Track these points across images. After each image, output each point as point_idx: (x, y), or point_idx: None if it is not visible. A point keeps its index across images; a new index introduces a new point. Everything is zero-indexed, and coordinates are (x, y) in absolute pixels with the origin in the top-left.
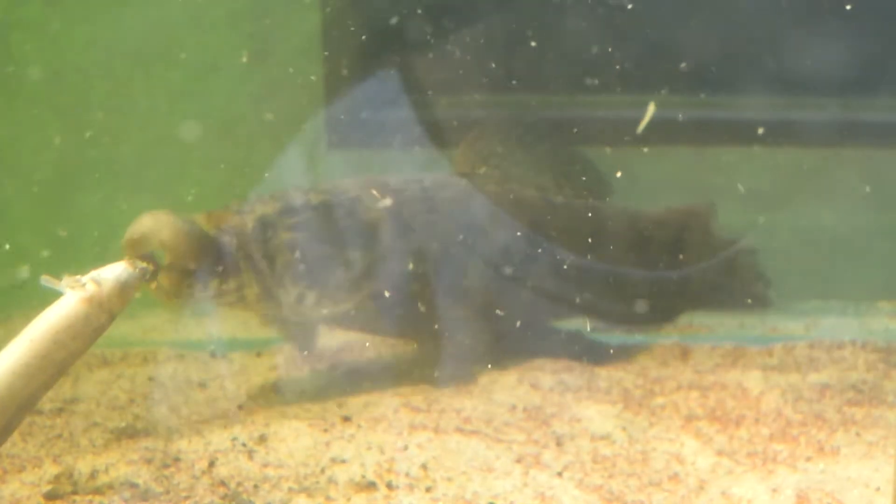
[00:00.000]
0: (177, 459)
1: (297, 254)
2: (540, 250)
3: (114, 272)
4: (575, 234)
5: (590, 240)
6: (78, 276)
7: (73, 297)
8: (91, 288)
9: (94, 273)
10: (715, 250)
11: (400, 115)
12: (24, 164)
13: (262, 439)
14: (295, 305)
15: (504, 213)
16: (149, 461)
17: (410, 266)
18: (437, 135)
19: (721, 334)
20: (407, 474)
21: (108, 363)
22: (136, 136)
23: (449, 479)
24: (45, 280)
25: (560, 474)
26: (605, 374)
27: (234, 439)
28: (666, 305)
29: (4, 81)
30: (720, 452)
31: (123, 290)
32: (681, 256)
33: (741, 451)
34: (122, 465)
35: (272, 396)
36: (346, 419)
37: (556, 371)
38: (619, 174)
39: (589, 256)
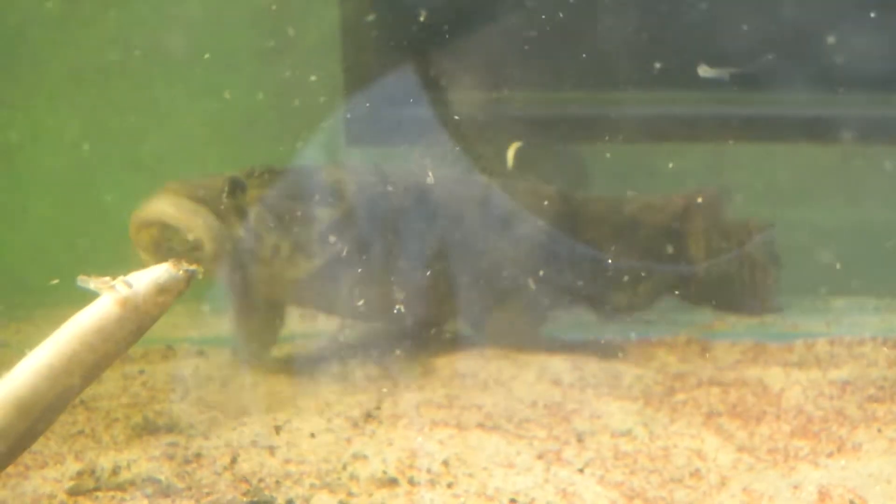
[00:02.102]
0: (198, 455)
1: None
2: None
3: (152, 274)
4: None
5: (581, 229)
6: (115, 278)
7: (106, 299)
8: (125, 290)
9: (132, 275)
10: (726, 237)
11: (416, 113)
12: (44, 162)
13: (284, 436)
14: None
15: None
16: (170, 457)
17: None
18: (454, 132)
19: (741, 331)
20: (428, 470)
21: (129, 359)
22: (155, 131)
23: (470, 476)
24: (81, 280)
25: (581, 471)
26: (626, 371)
27: (256, 435)
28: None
29: (25, 78)
30: (741, 449)
31: (161, 292)
32: (687, 244)
33: (762, 447)
34: (143, 461)
35: (292, 392)
36: (368, 416)
37: (576, 367)
38: (671, 165)
39: (580, 246)
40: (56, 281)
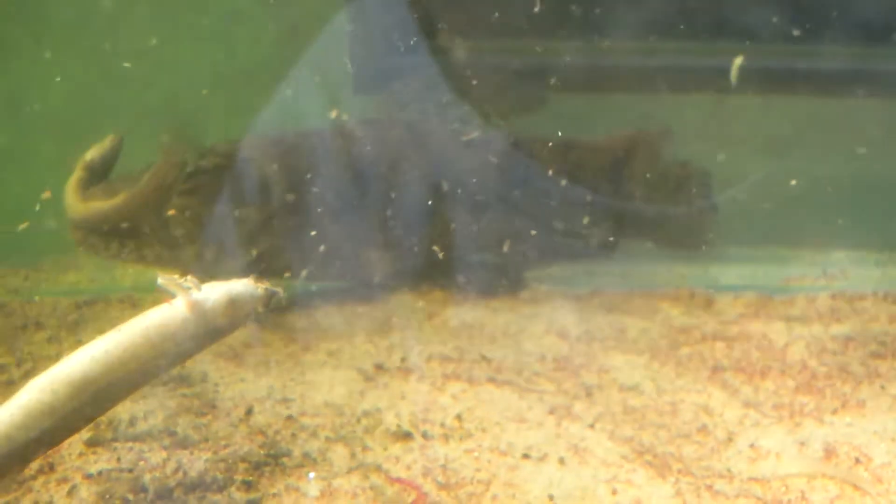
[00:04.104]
0: (213, 407)
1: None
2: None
3: (230, 285)
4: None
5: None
6: (194, 281)
7: (177, 300)
8: (196, 294)
9: (214, 283)
10: (664, 178)
11: (420, 62)
12: (51, 109)
13: (297, 388)
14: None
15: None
16: (186, 409)
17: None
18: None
19: (744, 283)
20: (442, 424)
21: (138, 307)
22: (162, 78)
23: (483, 430)
24: (162, 279)
25: (592, 426)
26: (631, 324)
27: (269, 388)
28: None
29: (30, 26)
30: (747, 404)
31: (233, 305)
32: (625, 183)
33: (767, 403)
34: (159, 412)
35: (300, 345)
36: (379, 368)
37: (582, 320)
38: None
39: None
40: (25, 225)
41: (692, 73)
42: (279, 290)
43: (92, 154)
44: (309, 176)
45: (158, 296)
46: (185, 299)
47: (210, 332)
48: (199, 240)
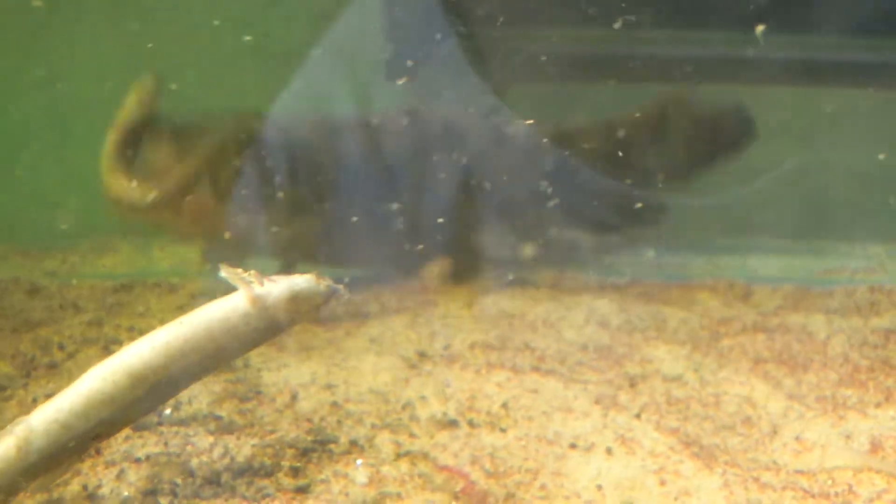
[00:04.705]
0: (258, 393)
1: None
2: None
3: (291, 281)
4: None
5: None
6: (257, 275)
7: (238, 293)
8: (258, 287)
9: (275, 277)
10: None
11: (453, 50)
12: (84, 91)
13: (340, 374)
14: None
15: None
16: (230, 394)
17: None
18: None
19: (781, 275)
20: (488, 413)
21: (175, 292)
22: (196, 62)
23: (530, 419)
24: (225, 271)
25: (638, 416)
26: (671, 314)
27: (313, 374)
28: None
29: (66, 7)
30: (790, 397)
31: (294, 300)
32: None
33: (810, 395)
34: (204, 397)
35: (341, 331)
36: (422, 355)
37: (622, 309)
38: None
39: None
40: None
41: (728, 63)
42: (341, 287)
43: (127, 106)
44: (342, 160)
45: (195, 281)
46: (246, 293)
47: (270, 326)
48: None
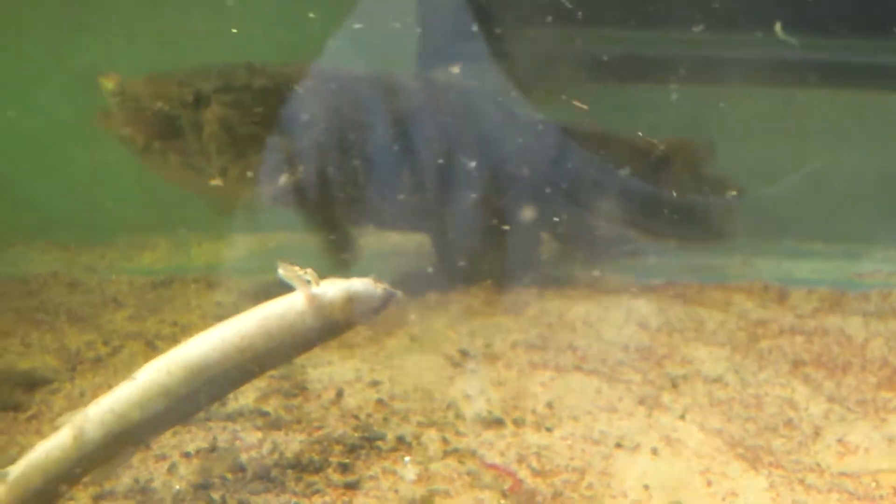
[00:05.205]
0: (303, 389)
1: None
2: None
3: (349, 283)
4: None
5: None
6: (314, 274)
7: (297, 292)
8: (315, 288)
9: (334, 279)
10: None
11: (486, 47)
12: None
13: (385, 371)
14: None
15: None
16: (276, 390)
17: None
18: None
19: (817, 278)
20: (533, 412)
21: (214, 288)
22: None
23: (575, 419)
24: (283, 270)
25: (682, 417)
26: (709, 316)
27: (357, 371)
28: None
29: (103, 2)
30: (831, 399)
31: (349, 302)
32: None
33: (851, 398)
34: (250, 392)
35: (381, 329)
36: (464, 354)
37: (661, 310)
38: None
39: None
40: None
41: (758, 65)
42: (398, 292)
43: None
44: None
45: (231, 277)
46: (304, 292)
47: (326, 327)
48: (228, 155)
